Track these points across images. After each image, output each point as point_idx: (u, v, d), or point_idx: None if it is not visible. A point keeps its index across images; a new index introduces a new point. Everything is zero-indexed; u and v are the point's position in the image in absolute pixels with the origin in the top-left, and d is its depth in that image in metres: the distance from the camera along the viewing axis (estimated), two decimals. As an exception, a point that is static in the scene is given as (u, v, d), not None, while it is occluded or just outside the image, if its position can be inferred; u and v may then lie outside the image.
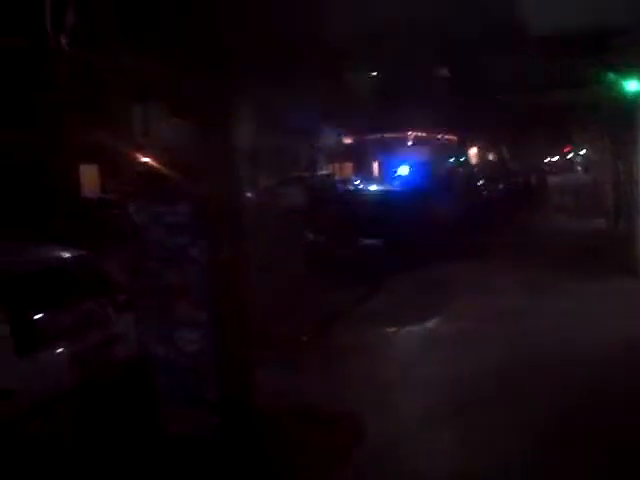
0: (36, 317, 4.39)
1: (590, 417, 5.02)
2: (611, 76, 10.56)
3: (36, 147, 18.05)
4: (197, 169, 4.57)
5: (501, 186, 23.68)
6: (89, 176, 23.89)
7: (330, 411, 5.18)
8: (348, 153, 38.58)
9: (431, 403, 5.51)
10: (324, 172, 33.94)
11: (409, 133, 39.28)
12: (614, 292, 8.97)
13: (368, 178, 30.70)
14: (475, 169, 30.27)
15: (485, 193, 21.28)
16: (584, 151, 51.77)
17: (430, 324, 8.04)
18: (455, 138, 38.05)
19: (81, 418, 4.41)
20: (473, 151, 43.47)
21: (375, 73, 32.40)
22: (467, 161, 37.32)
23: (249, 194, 26.27)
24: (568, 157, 59.10)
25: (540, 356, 6.45)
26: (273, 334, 7.10)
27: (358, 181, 29.87)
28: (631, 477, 4.20)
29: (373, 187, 19.10)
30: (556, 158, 57.73)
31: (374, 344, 7.31)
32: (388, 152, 36.92)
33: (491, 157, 43.71)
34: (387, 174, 28.82)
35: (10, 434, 3.89)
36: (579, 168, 49.43)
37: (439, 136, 40.36)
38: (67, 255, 5.02)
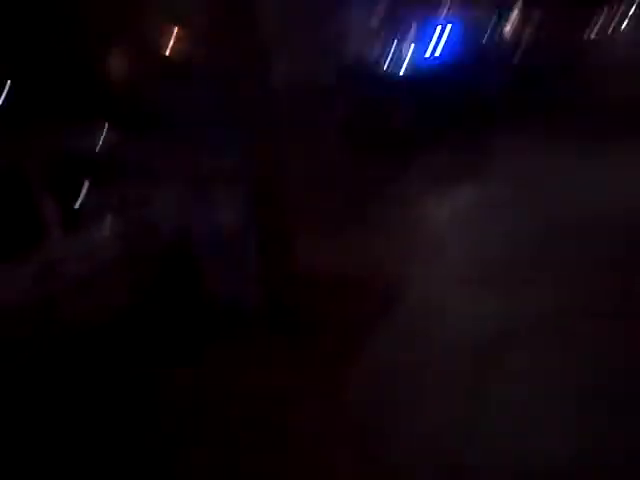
0: (83, 199, 4.53)
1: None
2: None
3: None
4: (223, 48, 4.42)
5: (541, 58, 22.39)
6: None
7: (364, 275, 5.32)
8: (383, 28, 36.79)
9: (463, 269, 5.61)
10: (354, 50, 32.48)
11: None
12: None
13: (402, 54, 29.31)
14: (513, 39, 28.53)
15: (522, 66, 20.18)
16: (627, 20, 48.10)
17: (466, 189, 8.08)
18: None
19: (132, 288, 4.63)
20: (514, 16, 40.78)
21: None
22: (506, 28, 35.10)
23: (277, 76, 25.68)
24: (611, 27, 54.88)
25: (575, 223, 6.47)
26: (313, 202, 7.09)
27: (389, 60, 28.47)
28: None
29: (405, 64, 18.28)
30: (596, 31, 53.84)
31: (409, 218, 7.30)
32: (423, 24, 34.98)
33: (527, 28, 40.97)
34: (422, 50, 27.38)
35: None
36: (624, 40, 45.98)
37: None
38: (110, 140, 5.06)
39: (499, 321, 4.57)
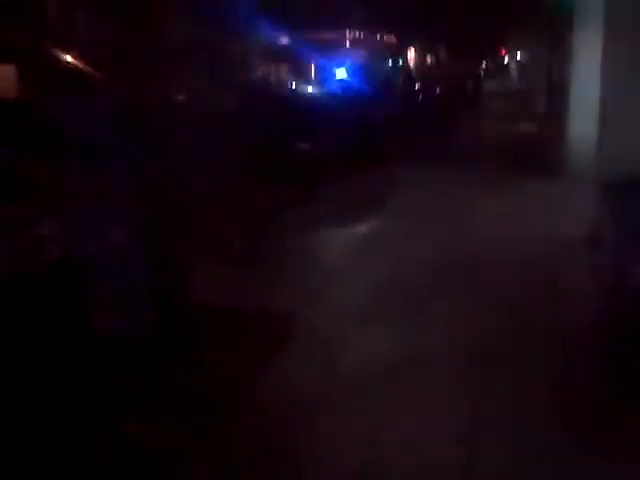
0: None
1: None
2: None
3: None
4: (121, 66, 4.30)
5: (437, 90, 23.59)
6: (5, 77, 22.27)
7: (260, 308, 5.24)
8: (284, 54, 37.36)
9: (361, 302, 5.66)
10: (259, 74, 32.83)
11: (347, 33, 38.20)
12: (540, 191, 9.29)
13: (304, 80, 29.92)
14: (412, 72, 29.94)
15: (421, 96, 21.21)
16: (519, 56, 52.02)
17: (362, 227, 8.11)
18: (394, 38, 37.24)
19: (6, 316, 4.28)
20: (411, 54, 42.79)
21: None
22: (405, 63, 36.77)
23: (180, 96, 25.39)
24: (504, 62, 59.29)
25: (465, 250, 6.77)
26: (208, 233, 7.04)
27: (294, 83, 29.07)
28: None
29: (309, 89, 18.66)
30: (491, 63, 57.74)
31: (306, 246, 7.36)
32: (325, 53, 35.94)
33: (429, 60, 43.21)
34: (324, 76, 28.15)
35: None
36: (514, 74, 49.79)
37: (377, 36, 39.45)
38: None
39: (389, 355, 4.60)
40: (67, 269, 4.42)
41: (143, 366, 4.11)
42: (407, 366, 4.40)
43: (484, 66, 48.87)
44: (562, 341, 4.62)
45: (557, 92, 11.49)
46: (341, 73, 23.07)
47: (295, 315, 5.20)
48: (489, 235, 7.29)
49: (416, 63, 43.25)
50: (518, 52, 51.02)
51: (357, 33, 39.21)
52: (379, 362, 4.47)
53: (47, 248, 4.70)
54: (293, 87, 23.75)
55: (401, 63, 36.82)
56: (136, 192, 3.87)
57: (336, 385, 4.20)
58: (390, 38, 39.52)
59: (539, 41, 18.13)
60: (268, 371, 4.37)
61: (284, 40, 39.61)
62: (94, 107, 3.82)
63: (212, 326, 4.70)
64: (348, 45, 40.29)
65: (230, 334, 4.67)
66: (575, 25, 9.24)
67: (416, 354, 4.57)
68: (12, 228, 4.49)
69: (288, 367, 4.43)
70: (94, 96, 3.85)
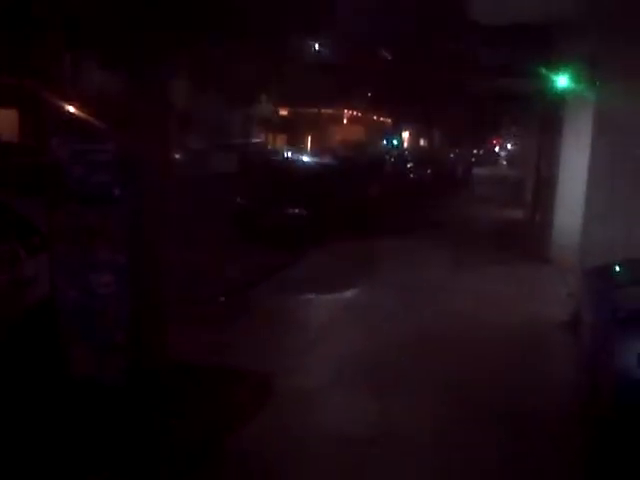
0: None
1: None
2: (543, 70, 10.90)
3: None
4: (125, 118, 4.42)
5: (429, 171, 24.17)
6: (8, 121, 22.64)
7: (237, 366, 5.19)
8: (283, 125, 38.29)
9: (337, 366, 5.64)
10: (256, 140, 33.62)
11: (345, 111, 39.41)
12: (524, 276, 9.40)
13: (300, 150, 30.61)
14: (406, 152, 30.78)
15: (413, 176, 21.70)
16: (510, 146, 53.73)
17: (346, 294, 8.14)
18: (389, 120, 38.46)
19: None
20: (406, 135, 44.12)
21: (318, 47, 32.15)
22: (398, 143, 37.85)
23: (177, 155, 25.83)
24: (495, 150, 61.18)
25: (441, 329, 6.73)
26: (191, 292, 7.10)
27: (290, 152, 29.74)
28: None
29: (304, 158, 19.09)
30: (482, 151, 59.56)
31: (289, 309, 7.37)
32: (323, 127, 36.97)
33: (422, 142, 44.48)
34: (320, 148, 28.86)
35: None
36: (504, 162, 51.29)
37: (374, 116, 40.71)
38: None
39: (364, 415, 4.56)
40: (46, 312, 4.38)
41: (113, 413, 4.01)
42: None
43: (475, 152, 50.37)
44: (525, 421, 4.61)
45: (544, 183, 11.83)
46: (336, 146, 23.78)
47: (272, 376, 5.15)
48: (470, 314, 7.32)
49: (410, 144, 44.61)
50: (509, 143, 52.71)
51: (354, 111, 40.45)
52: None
53: (29, 290, 4.68)
54: (289, 155, 24.29)
55: (395, 143, 37.98)
56: (126, 240, 3.88)
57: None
58: (386, 119, 40.88)
59: (530, 134, 18.79)
60: (240, 428, 4.30)
61: (284, 111, 40.75)
62: (92, 154, 3.88)
63: (188, 381, 4.62)
64: (345, 121, 41.47)
65: (205, 393, 4.58)
66: (564, 125, 9.66)
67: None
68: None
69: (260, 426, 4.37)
70: (93, 144, 3.92)
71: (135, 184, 3.95)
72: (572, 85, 9.31)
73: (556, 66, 10.18)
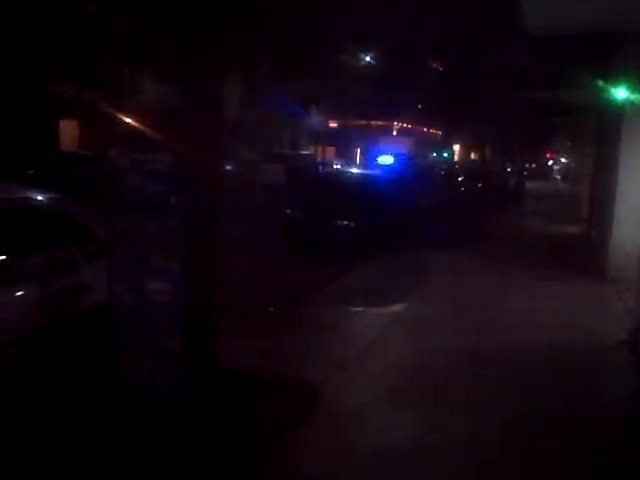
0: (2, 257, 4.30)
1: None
2: (601, 82, 10.65)
3: (15, 96, 17.63)
4: (180, 130, 4.50)
5: (480, 185, 23.86)
6: (69, 131, 23.52)
7: (287, 377, 5.20)
8: (333, 136, 38.53)
9: (383, 379, 5.57)
10: (306, 152, 33.89)
11: (394, 123, 39.40)
12: (580, 294, 9.13)
13: (350, 162, 30.71)
14: (456, 165, 30.46)
15: (463, 189, 21.46)
16: (564, 160, 52.52)
17: (395, 307, 8.07)
18: (440, 133, 38.22)
19: (43, 361, 4.34)
20: (456, 148, 43.76)
21: (368, 59, 32.23)
22: (449, 156, 37.52)
23: (229, 166, 26.25)
24: (549, 164, 59.95)
25: (493, 347, 6.55)
26: (242, 302, 7.15)
27: (339, 164, 29.85)
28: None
29: (353, 170, 19.13)
30: (535, 165, 58.46)
31: (338, 321, 7.35)
32: (372, 139, 36.97)
33: (473, 156, 44.00)
34: (369, 160, 28.86)
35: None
36: (558, 176, 50.17)
37: (424, 129, 40.53)
38: (39, 197, 4.91)
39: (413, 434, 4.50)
40: (102, 319, 4.48)
41: (166, 422, 4.07)
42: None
43: (528, 166, 49.48)
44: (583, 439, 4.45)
45: (601, 199, 11.50)
46: (386, 159, 23.74)
47: (320, 386, 5.13)
48: (520, 333, 7.14)
49: (461, 158, 44.18)
50: (563, 157, 51.53)
51: (404, 124, 40.34)
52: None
53: (85, 296, 4.80)
54: (339, 167, 24.38)
55: (445, 155, 37.67)
56: (181, 249, 3.95)
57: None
58: (436, 131, 40.62)
59: (585, 148, 18.33)
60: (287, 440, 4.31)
61: (333, 124, 40.97)
62: (148, 164, 3.98)
63: (239, 391, 4.66)
64: (395, 133, 41.37)
65: (256, 403, 4.61)
66: (622, 138, 9.38)
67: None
68: (55, 272, 4.61)
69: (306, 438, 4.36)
70: (149, 154, 4.02)
71: (190, 194, 4.02)
72: (631, 97, 9.05)
73: (613, 78, 9.93)
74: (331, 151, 39.76)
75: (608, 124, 11.21)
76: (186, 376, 4.04)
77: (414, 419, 4.80)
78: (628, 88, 9.18)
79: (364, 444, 4.39)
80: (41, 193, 4.99)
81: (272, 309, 7.48)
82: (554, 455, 4.33)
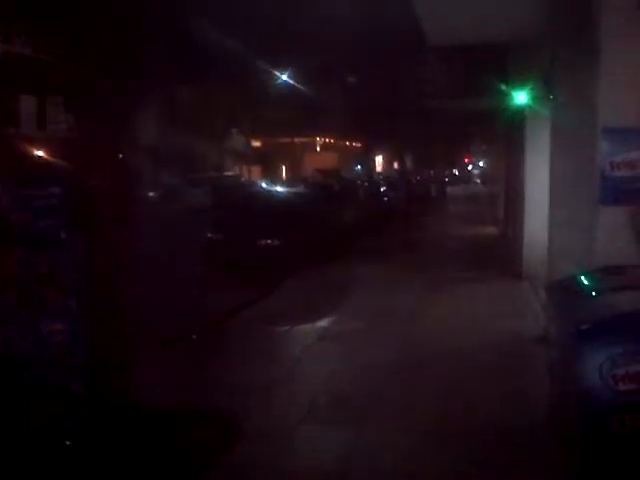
0: None
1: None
2: (504, 87, 11.09)
3: None
4: (75, 159, 4.36)
5: (402, 193, 24.35)
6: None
7: (209, 407, 5.07)
8: (256, 156, 38.45)
9: (312, 400, 5.51)
10: (230, 173, 33.67)
11: (317, 138, 39.74)
12: (498, 293, 9.41)
13: (275, 181, 30.69)
14: (380, 176, 31.01)
15: (386, 199, 21.83)
16: (482, 164, 54.41)
17: (321, 323, 8.06)
18: (361, 145, 38.84)
19: None
20: (379, 159, 44.55)
21: (285, 78, 32.46)
22: (371, 168, 38.18)
23: (151, 193, 25.74)
24: (468, 169, 61.89)
25: (417, 357, 6.59)
26: (162, 331, 6.96)
27: (264, 183, 29.78)
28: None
29: (278, 189, 19.12)
30: (456, 171, 60.19)
31: (263, 342, 7.26)
32: (296, 156, 37.19)
33: (395, 166, 44.92)
34: (293, 177, 28.97)
35: None
36: (478, 180, 51.84)
37: (346, 142, 41.09)
38: None
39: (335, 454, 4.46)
40: (2, 364, 4.24)
41: (70, 467, 3.87)
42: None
43: (449, 172, 50.95)
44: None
45: (513, 199, 11.92)
46: (310, 174, 23.93)
47: (240, 415, 5.02)
48: (445, 336, 7.26)
49: (383, 168, 45.00)
50: (481, 161, 53.35)
51: (327, 138, 40.77)
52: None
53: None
54: (263, 186, 24.33)
55: (368, 167, 38.29)
56: (75, 285, 3.79)
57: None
58: (358, 145, 41.24)
59: (498, 152, 19.04)
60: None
61: (256, 142, 40.93)
62: (37, 200, 3.80)
63: (153, 426, 4.49)
64: (318, 149, 41.73)
65: (171, 437, 4.45)
66: (526, 141, 9.78)
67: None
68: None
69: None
70: (38, 189, 3.84)
71: (82, 226, 3.87)
72: (530, 101, 9.45)
73: (515, 83, 10.34)
74: (257, 171, 39.66)
75: (514, 127, 11.65)
76: (93, 416, 3.86)
77: (339, 438, 4.76)
78: (527, 93, 9.58)
79: (292, 466, 4.31)
80: None
81: (194, 337, 7.31)
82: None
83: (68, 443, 3.95)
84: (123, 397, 4.18)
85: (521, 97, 9.95)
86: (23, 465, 3.93)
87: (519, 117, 10.61)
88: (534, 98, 9.27)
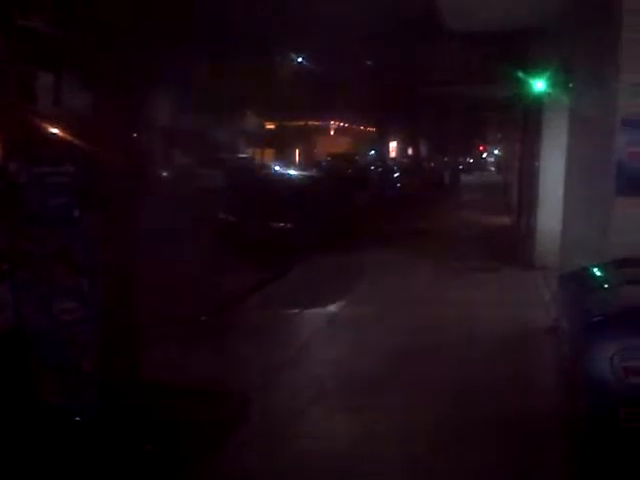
0: None
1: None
2: (521, 74, 10.95)
3: None
4: (88, 137, 4.35)
5: (416, 180, 24.23)
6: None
7: (219, 387, 5.10)
8: (270, 139, 38.28)
9: (323, 383, 5.54)
10: (243, 155, 33.62)
11: (331, 122, 39.51)
12: (510, 283, 9.36)
13: (289, 164, 30.65)
14: (393, 162, 30.85)
15: (400, 185, 21.74)
16: (497, 152, 53.95)
17: (331, 308, 8.07)
18: (375, 130, 38.55)
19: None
20: (393, 145, 44.22)
21: (300, 60, 32.19)
22: (385, 153, 37.94)
23: (165, 172, 25.77)
24: (483, 157, 61.42)
25: (428, 343, 6.59)
26: (175, 311, 6.99)
27: (278, 166, 29.76)
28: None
29: (291, 172, 19.10)
30: (471, 159, 59.75)
31: (273, 324, 7.28)
32: (310, 139, 37.04)
33: (410, 152, 44.60)
34: (306, 160, 28.89)
35: None
36: (492, 168, 51.43)
37: (360, 127, 40.84)
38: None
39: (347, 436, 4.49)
40: (17, 339, 4.28)
41: (82, 443, 3.92)
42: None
43: (463, 160, 50.57)
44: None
45: (527, 188, 11.82)
46: (323, 158, 23.85)
47: (253, 396, 5.06)
48: (455, 323, 7.25)
49: (397, 154, 44.69)
50: (496, 149, 52.92)
51: (341, 122, 40.49)
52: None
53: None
54: (277, 169, 24.31)
55: (382, 153, 38.05)
56: (88, 264, 3.81)
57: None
58: (373, 129, 40.95)
59: (513, 139, 18.84)
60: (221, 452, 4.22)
61: (270, 125, 40.73)
62: (50, 177, 3.82)
63: (163, 404, 4.53)
64: (332, 133, 41.47)
65: (180, 415, 4.49)
66: (543, 128, 9.67)
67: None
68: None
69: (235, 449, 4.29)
70: (52, 167, 3.85)
71: (98, 205, 3.88)
72: (548, 89, 9.33)
73: (533, 71, 10.21)
74: (270, 153, 39.51)
75: (531, 115, 11.53)
76: (103, 394, 3.90)
77: (347, 423, 4.78)
78: (545, 81, 9.45)
79: (297, 450, 4.34)
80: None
81: (204, 317, 7.35)
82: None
83: (78, 419, 4.00)
84: (133, 376, 4.21)
85: (539, 85, 9.83)
86: (33, 439, 3.99)
87: (536, 105, 10.49)
88: (553, 86, 9.15)
